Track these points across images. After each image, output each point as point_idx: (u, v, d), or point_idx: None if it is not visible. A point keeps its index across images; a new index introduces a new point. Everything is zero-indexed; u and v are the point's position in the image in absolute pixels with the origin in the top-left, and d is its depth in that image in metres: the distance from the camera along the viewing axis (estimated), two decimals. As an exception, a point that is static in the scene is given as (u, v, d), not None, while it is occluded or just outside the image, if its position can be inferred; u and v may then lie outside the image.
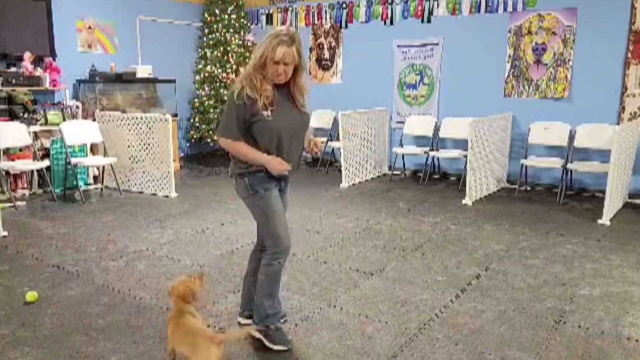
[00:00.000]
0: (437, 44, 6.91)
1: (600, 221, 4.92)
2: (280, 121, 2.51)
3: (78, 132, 5.92)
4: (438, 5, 6.81)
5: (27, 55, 6.07)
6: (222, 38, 7.76)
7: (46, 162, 5.67)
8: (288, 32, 2.51)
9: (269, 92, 2.48)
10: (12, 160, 5.68)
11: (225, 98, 7.51)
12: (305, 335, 2.79)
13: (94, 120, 6.31)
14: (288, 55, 2.46)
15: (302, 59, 2.55)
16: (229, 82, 7.66)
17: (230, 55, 7.75)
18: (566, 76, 6.08)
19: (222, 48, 7.77)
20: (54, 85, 6.27)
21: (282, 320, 2.91)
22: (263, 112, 2.47)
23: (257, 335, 2.68)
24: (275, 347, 2.64)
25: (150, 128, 5.98)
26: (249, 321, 2.89)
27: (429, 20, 6.92)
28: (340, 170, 6.61)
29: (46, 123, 5.97)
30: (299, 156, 2.70)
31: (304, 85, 2.62)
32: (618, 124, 5.71)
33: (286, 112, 2.55)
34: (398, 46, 7.22)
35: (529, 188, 6.35)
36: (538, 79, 6.27)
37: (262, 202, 2.57)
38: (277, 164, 2.51)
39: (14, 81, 5.92)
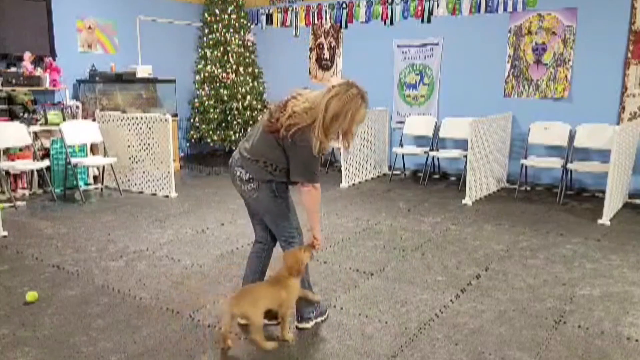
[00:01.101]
0: (437, 44, 6.91)
1: (600, 221, 4.92)
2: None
3: (78, 132, 5.92)
4: (438, 5, 6.81)
5: (27, 55, 6.07)
6: (222, 38, 7.76)
7: (46, 162, 5.67)
8: (361, 91, 2.66)
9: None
10: (12, 160, 5.68)
11: (225, 98, 7.59)
12: (306, 335, 2.79)
13: (94, 120, 6.32)
14: (365, 118, 2.70)
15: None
16: (228, 82, 7.66)
17: (230, 55, 7.74)
18: (566, 76, 6.08)
19: (222, 48, 7.77)
20: (54, 85, 6.27)
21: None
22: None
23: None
24: (325, 315, 2.98)
25: (150, 128, 5.98)
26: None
27: (429, 20, 6.92)
28: (340, 170, 6.61)
29: (46, 123, 5.97)
30: None
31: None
32: (618, 124, 5.71)
33: None
34: (398, 46, 7.22)
35: (529, 188, 6.35)
36: (538, 79, 6.27)
37: (286, 203, 2.76)
38: (319, 243, 2.78)
39: (14, 81, 5.92)
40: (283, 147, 2.58)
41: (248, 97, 7.66)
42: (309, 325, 2.86)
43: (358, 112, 2.58)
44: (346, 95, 2.56)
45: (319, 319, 2.93)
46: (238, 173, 2.71)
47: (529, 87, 6.33)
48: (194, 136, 8.00)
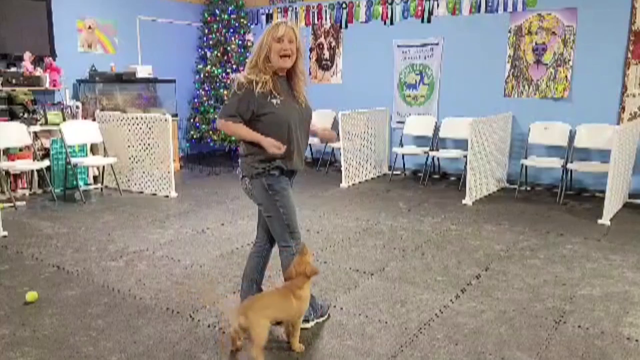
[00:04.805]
0: (437, 44, 6.91)
1: (600, 221, 4.92)
2: (287, 111, 2.61)
3: (78, 132, 5.92)
4: (438, 5, 6.81)
5: (27, 55, 6.06)
6: (222, 38, 7.77)
7: (46, 162, 5.67)
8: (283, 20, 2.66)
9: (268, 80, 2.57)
10: (12, 160, 5.68)
11: (225, 98, 7.59)
12: (305, 336, 2.79)
13: (94, 120, 6.32)
14: (290, 31, 2.57)
15: (300, 43, 2.64)
16: (228, 82, 7.66)
17: (230, 55, 7.75)
18: (566, 76, 6.08)
19: (222, 48, 7.78)
20: (54, 85, 6.27)
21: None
22: (273, 100, 2.57)
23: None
24: (326, 316, 2.97)
25: (150, 128, 5.98)
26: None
27: (429, 20, 6.92)
28: (340, 170, 6.61)
29: (46, 123, 5.97)
30: (304, 152, 2.80)
31: (304, 71, 2.73)
32: (618, 124, 5.71)
33: (291, 102, 2.66)
34: (398, 46, 7.22)
35: (529, 188, 6.35)
36: (538, 79, 6.27)
37: (282, 201, 2.66)
38: (271, 144, 2.55)
39: (14, 81, 5.92)
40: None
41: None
42: (309, 325, 2.86)
43: (274, 29, 2.58)
44: (267, 28, 2.63)
45: (320, 320, 2.93)
46: (237, 172, 2.77)
47: (529, 87, 6.33)
48: (194, 136, 8.01)
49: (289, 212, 2.69)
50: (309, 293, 2.63)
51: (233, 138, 7.67)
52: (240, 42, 7.85)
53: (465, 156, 5.85)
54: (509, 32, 6.37)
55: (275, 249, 2.89)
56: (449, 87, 6.90)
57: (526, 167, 6.12)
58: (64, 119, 6.08)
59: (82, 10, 6.87)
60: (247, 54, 7.91)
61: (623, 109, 5.79)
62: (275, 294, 2.61)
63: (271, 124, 2.58)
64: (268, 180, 2.64)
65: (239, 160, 2.76)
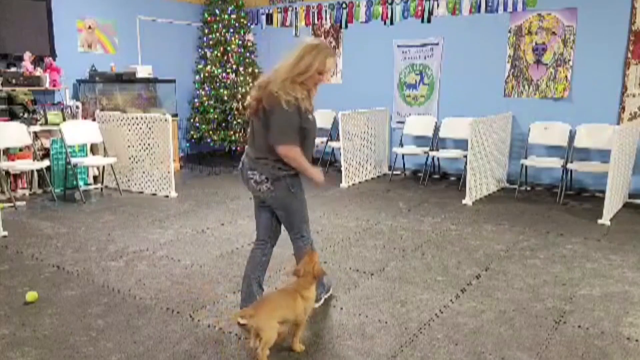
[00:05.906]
0: (437, 44, 6.91)
1: (600, 221, 4.92)
2: (315, 124, 2.81)
3: (78, 132, 5.92)
4: (438, 5, 6.81)
5: (27, 55, 6.06)
6: (222, 38, 7.76)
7: (46, 162, 5.67)
8: (325, 43, 2.77)
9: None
10: (12, 160, 5.68)
11: (225, 98, 7.60)
12: (305, 336, 2.78)
13: (94, 120, 6.32)
14: (334, 65, 2.78)
15: None
16: (228, 82, 7.66)
17: (230, 55, 7.74)
18: (566, 76, 6.08)
19: (222, 48, 7.77)
20: (54, 85, 6.27)
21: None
22: (309, 116, 2.71)
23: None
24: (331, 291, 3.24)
25: (150, 128, 5.98)
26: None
27: (429, 20, 6.91)
28: (340, 170, 6.61)
29: (46, 123, 5.97)
30: None
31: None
32: (618, 124, 5.71)
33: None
34: (398, 46, 7.22)
35: (529, 188, 6.35)
36: (538, 79, 6.27)
37: (300, 198, 2.87)
38: (320, 175, 2.80)
39: (14, 81, 5.92)
40: (268, 126, 2.67)
41: (248, 97, 7.64)
42: (317, 305, 2.99)
43: (322, 62, 2.65)
44: (315, 47, 2.67)
45: (326, 295, 3.13)
46: (251, 176, 2.78)
47: (529, 87, 6.33)
48: (194, 136, 8.00)
49: (305, 207, 2.92)
50: (315, 294, 2.68)
51: (233, 138, 7.68)
52: (240, 42, 7.85)
53: (465, 156, 5.85)
54: (509, 32, 6.37)
55: (276, 249, 2.91)
56: (449, 87, 6.90)
57: (526, 167, 6.12)
58: (64, 119, 6.08)
59: (82, 10, 6.86)
60: (247, 54, 7.92)
61: (623, 109, 5.79)
62: (283, 295, 2.63)
63: (308, 137, 2.74)
64: (291, 180, 2.78)
65: (257, 165, 2.75)
